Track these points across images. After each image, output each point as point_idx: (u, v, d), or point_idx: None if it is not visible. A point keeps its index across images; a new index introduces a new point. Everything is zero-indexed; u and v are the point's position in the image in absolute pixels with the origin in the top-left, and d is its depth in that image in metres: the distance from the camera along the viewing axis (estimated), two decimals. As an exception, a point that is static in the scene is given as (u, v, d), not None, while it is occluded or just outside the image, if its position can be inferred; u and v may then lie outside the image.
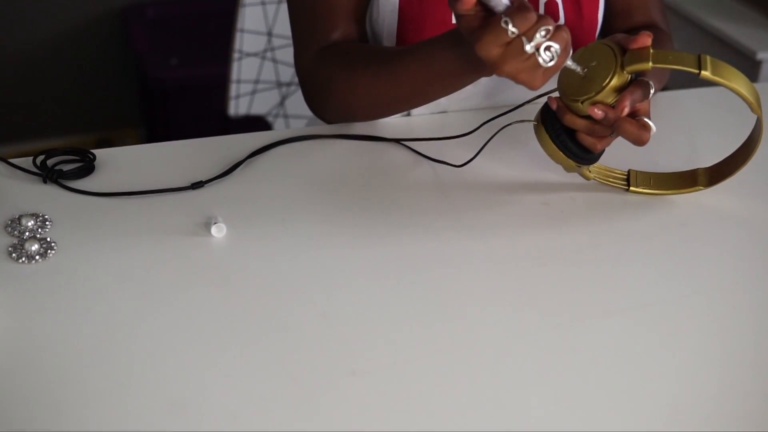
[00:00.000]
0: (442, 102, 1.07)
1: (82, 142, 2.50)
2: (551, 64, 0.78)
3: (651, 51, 0.82)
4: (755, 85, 0.89)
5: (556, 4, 1.05)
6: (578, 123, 0.87)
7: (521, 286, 0.81)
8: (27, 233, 0.84)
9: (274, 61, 1.70)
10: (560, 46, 0.78)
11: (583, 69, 0.84)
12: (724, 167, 0.93)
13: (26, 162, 0.94)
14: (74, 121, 2.52)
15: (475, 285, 0.81)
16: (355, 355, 0.72)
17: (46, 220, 0.86)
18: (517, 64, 0.78)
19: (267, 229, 0.86)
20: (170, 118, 2.33)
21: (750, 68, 1.84)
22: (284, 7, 1.63)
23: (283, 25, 1.65)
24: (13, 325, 0.73)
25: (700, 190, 0.94)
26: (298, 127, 1.64)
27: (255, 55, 1.67)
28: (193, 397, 0.68)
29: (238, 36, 1.64)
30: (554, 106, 0.87)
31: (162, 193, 0.90)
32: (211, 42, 2.43)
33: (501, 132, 0.94)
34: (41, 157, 0.94)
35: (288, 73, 1.73)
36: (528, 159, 0.98)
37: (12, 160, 0.94)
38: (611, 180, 0.96)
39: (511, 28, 0.76)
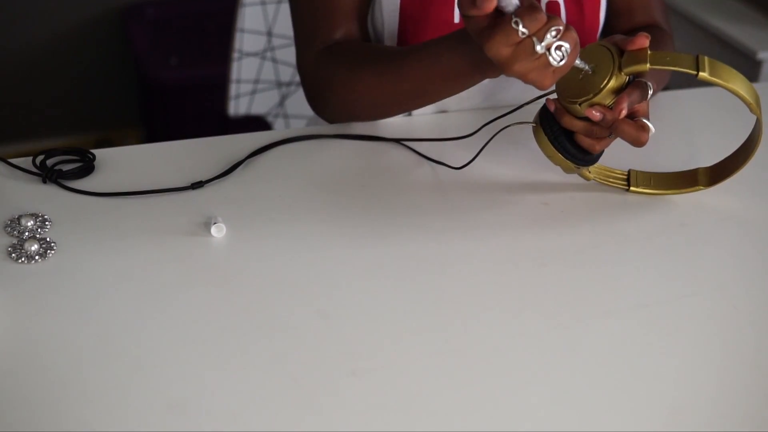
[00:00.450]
0: (442, 100, 1.07)
1: (81, 142, 2.49)
2: (562, 63, 0.78)
3: (648, 52, 0.82)
4: (755, 85, 0.89)
5: (558, 4, 1.05)
6: (576, 125, 0.87)
7: (521, 287, 0.81)
8: (27, 233, 0.84)
9: (274, 60, 1.69)
10: (570, 45, 0.78)
11: (591, 67, 0.84)
12: (724, 167, 0.93)
13: (26, 162, 0.94)
14: (74, 121, 2.52)
15: (476, 285, 0.81)
16: (355, 355, 0.72)
17: (45, 220, 0.86)
18: (527, 64, 0.78)
19: (267, 229, 0.86)
20: (170, 118, 2.33)
21: (750, 68, 1.84)
22: (284, 7, 1.63)
23: (282, 25, 1.65)
24: (13, 325, 0.73)
25: (700, 190, 0.94)
26: (298, 127, 1.65)
27: (255, 55, 1.67)
28: (193, 397, 0.67)
29: (237, 36, 1.64)
30: (552, 108, 0.87)
31: (162, 193, 0.90)
32: (210, 42, 2.43)
33: (501, 132, 0.94)
34: (41, 157, 0.94)
35: (288, 72, 1.72)
36: (528, 159, 0.98)
37: (12, 160, 0.94)
38: (611, 180, 0.96)
39: (521, 28, 0.76)
